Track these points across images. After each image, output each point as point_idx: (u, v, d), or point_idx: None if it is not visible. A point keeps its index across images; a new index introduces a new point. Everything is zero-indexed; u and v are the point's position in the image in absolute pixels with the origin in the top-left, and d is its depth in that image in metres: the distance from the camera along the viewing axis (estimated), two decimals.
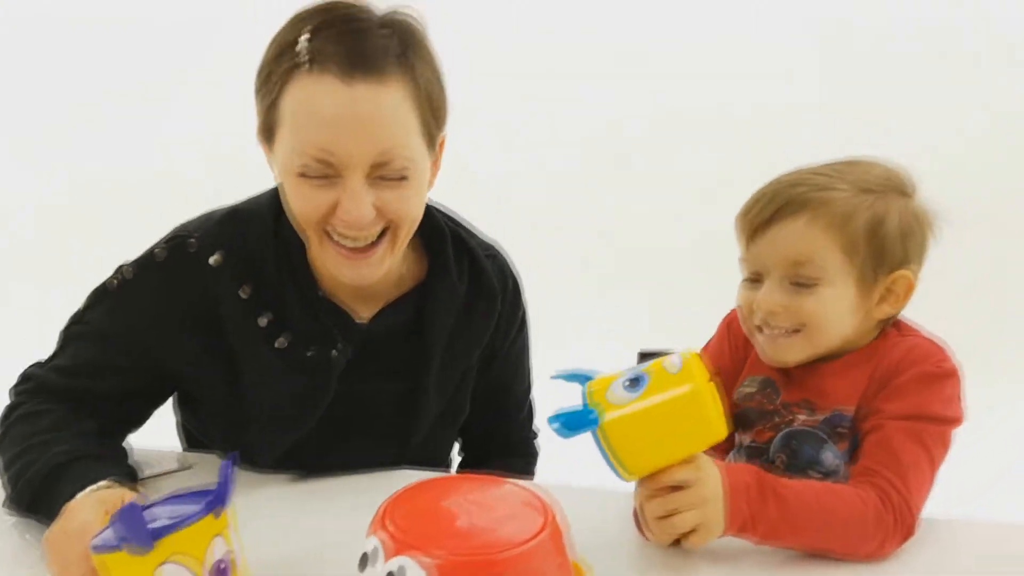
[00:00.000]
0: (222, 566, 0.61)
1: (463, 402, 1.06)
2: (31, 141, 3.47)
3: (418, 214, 0.89)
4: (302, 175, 0.82)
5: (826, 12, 2.84)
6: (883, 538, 0.77)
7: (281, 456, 0.95)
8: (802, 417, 0.89)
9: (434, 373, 0.99)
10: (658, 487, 0.73)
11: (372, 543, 0.56)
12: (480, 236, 1.06)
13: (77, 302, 0.98)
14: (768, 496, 0.74)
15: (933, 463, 0.80)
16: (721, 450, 0.95)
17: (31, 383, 0.92)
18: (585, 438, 0.71)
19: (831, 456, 0.86)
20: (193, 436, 1.11)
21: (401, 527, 0.57)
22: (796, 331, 0.85)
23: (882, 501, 0.77)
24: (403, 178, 0.84)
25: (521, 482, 0.66)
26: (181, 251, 0.91)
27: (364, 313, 0.97)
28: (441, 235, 0.98)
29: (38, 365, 0.95)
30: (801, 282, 0.84)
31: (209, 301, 0.91)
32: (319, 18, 0.82)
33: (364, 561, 0.56)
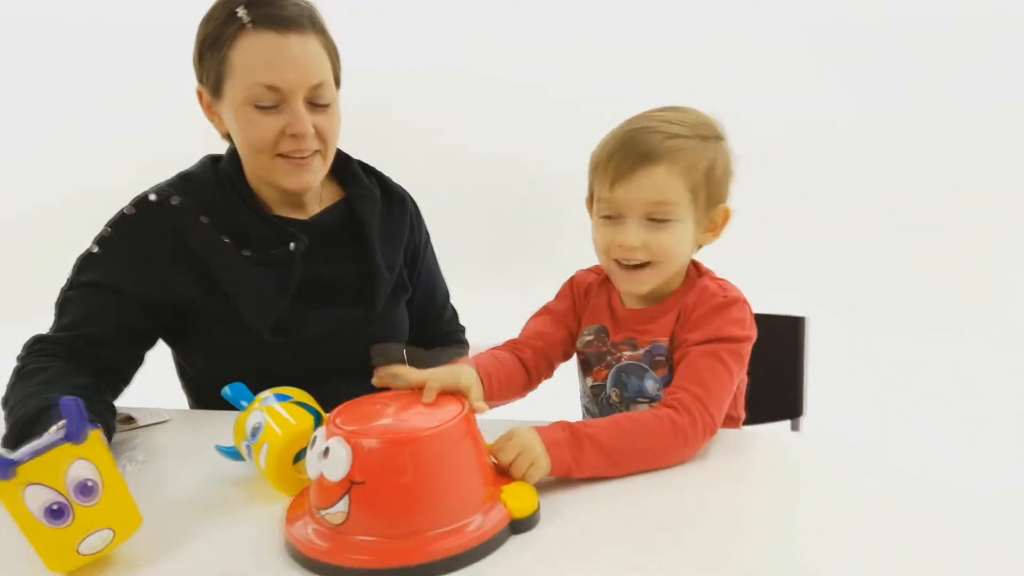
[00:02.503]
0: (88, 484, 0.70)
1: (405, 281, 1.37)
2: (32, 141, 3.61)
3: (338, 136, 1.22)
4: (256, 106, 1.12)
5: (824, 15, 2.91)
6: (683, 439, 0.92)
7: (273, 327, 1.20)
8: (627, 353, 1.06)
9: (378, 254, 1.29)
10: (495, 450, 0.87)
11: (321, 431, 0.76)
12: None
13: None
14: (583, 442, 0.88)
15: (731, 372, 0.98)
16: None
17: (37, 345, 1.11)
18: None
19: (652, 383, 1.04)
20: (193, 379, 1.31)
21: (339, 420, 0.76)
22: (647, 264, 1.01)
23: (676, 409, 0.93)
24: (328, 105, 1.17)
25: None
26: (146, 204, 1.18)
27: (303, 218, 1.27)
28: (348, 160, 1.33)
29: (41, 333, 1.14)
30: (657, 219, 0.99)
31: (179, 234, 1.17)
32: None
33: (313, 442, 0.76)
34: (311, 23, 1.15)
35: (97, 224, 1.19)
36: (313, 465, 0.75)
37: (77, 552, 0.71)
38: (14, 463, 0.68)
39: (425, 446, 0.74)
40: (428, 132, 3.43)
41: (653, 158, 0.97)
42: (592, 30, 3.14)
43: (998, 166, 2.80)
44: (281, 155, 1.16)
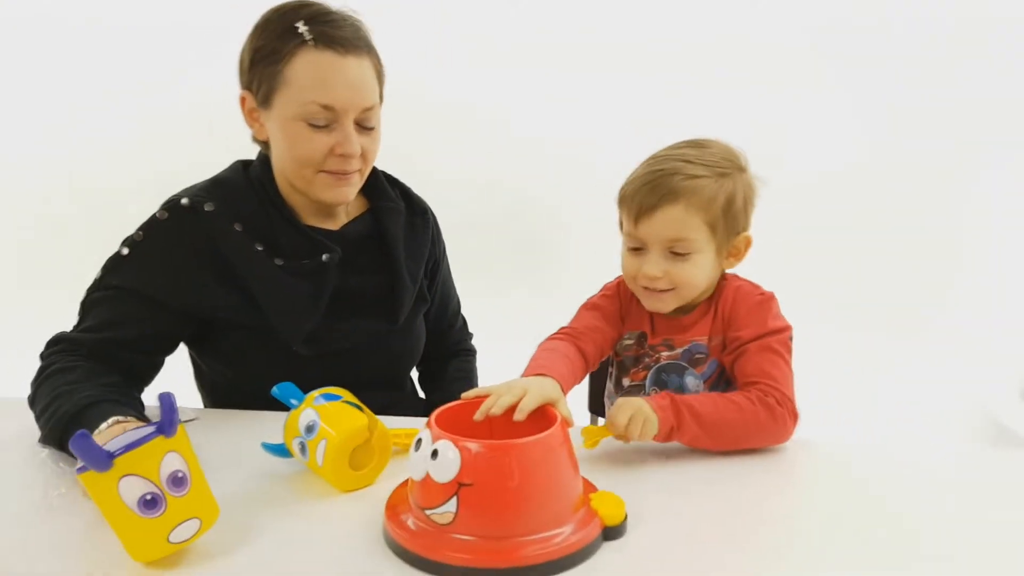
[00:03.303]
0: (179, 475, 0.73)
1: (425, 293, 1.39)
2: (31, 141, 3.55)
3: (377, 156, 1.24)
4: (308, 123, 1.13)
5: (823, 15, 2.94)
6: (774, 418, 1.01)
7: (304, 340, 1.20)
8: (665, 354, 1.14)
9: (404, 267, 1.31)
10: (611, 423, 0.98)
11: (424, 433, 0.78)
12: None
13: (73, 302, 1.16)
14: (682, 409, 0.99)
15: (786, 360, 1.08)
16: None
17: (60, 345, 1.10)
18: None
19: (692, 380, 1.12)
20: (211, 380, 1.31)
21: (444, 424, 0.79)
22: (670, 289, 1.10)
23: (764, 394, 1.01)
24: (373, 128, 1.19)
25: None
26: (179, 208, 1.17)
27: (333, 228, 1.28)
28: (374, 171, 1.34)
29: (64, 332, 1.14)
30: (678, 252, 1.08)
31: (211, 241, 1.16)
32: (306, 11, 1.12)
33: (418, 444, 0.78)
34: (366, 46, 1.16)
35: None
36: (419, 466, 0.77)
37: (168, 541, 0.73)
38: (112, 455, 0.70)
39: (531, 451, 0.76)
40: (429, 135, 3.43)
41: (672, 197, 1.05)
42: (592, 30, 3.17)
43: (998, 167, 2.86)
44: (324, 171, 1.17)
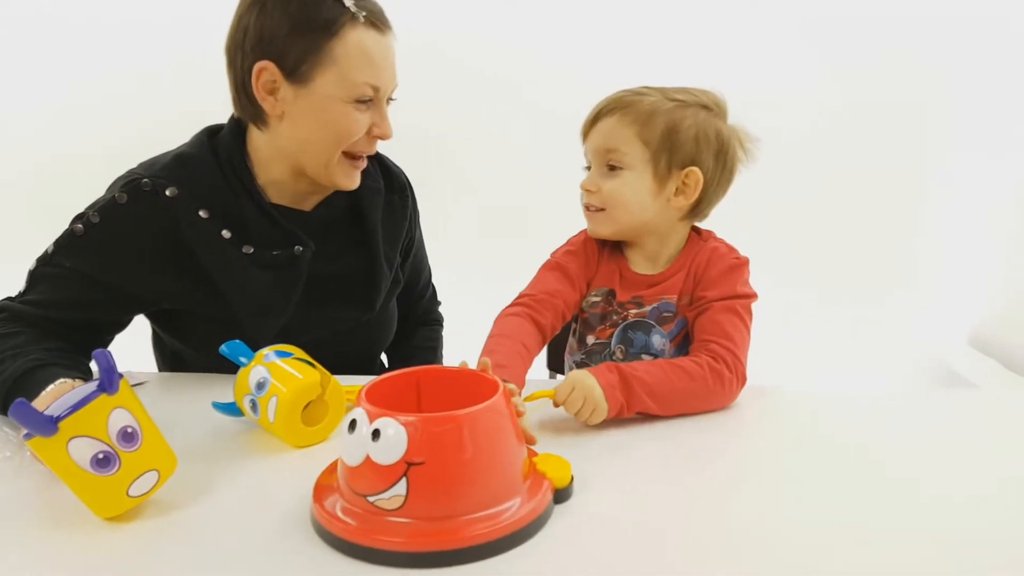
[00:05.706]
0: (128, 430, 0.73)
1: (399, 276, 1.35)
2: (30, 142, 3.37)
3: None
4: (357, 102, 1.09)
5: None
6: (722, 385, 1.01)
7: (275, 337, 1.13)
8: (634, 311, 1.12)
9: (381, 255, 1.25)
10: (560, 400, 0.96)
11: (357, 413, 0.72)
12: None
13: None
14: (633, 385, 0.97)
15: (747, 325, 1.08)
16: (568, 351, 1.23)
17: (4, 313, 1.07)
18: None
19: (658, 338, 1.11)
20: (171, 350, 1.27)
21: (378, 402, 0.72)
22: (602, 209, 1.11)
23: (714, 358, 1.01)
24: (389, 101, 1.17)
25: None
26: (139, 192, 1.08)
27: (304, 209, 1.22)
28: None
29: (8, 299, 1.09)
30: (611, 165, 1.08)
31: (173, 229, 1.09)
32: None
33: (352, 426, 0.71)
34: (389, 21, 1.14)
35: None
36: (356, 451, 0.70)
37: (127, 496, 0.74)
38: (56, 419, 0.69)
39: (481, 420, 0.71)
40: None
41: (610, 110, 1.08)
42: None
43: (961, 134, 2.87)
44: (347, 154, 1.14)
